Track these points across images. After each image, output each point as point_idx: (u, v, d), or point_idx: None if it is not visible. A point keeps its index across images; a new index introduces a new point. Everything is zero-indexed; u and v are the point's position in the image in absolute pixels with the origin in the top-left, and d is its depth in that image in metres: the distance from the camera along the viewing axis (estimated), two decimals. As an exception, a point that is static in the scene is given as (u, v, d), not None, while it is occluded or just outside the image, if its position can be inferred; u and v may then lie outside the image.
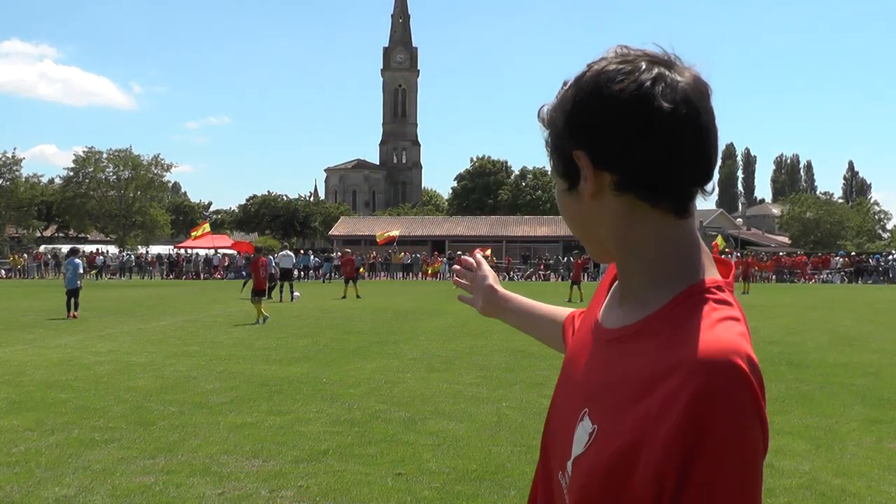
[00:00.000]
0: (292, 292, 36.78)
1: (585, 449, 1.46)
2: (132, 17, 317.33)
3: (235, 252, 71.26)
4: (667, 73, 1.44)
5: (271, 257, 38.81)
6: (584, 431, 1.48)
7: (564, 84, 1.55)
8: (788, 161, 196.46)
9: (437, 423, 10.57)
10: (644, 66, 1.44)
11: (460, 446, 9.44)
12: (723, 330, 1.37)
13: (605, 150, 1.45)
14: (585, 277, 68.22)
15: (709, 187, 1.50)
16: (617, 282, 1.67)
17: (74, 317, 26.40)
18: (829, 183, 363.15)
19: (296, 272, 44.31)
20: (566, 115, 1.50)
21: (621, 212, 1.49)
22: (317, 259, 71.12)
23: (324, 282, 55.53)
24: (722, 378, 1.29)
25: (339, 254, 38.01)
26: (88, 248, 76.56)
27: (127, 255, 77.60)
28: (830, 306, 35.22)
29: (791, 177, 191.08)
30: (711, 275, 1.51)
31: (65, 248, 75.31)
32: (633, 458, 1.34)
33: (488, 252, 74.77)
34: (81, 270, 28.33)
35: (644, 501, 1.32)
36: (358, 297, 38.36)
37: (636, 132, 1.42)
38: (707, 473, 1.26)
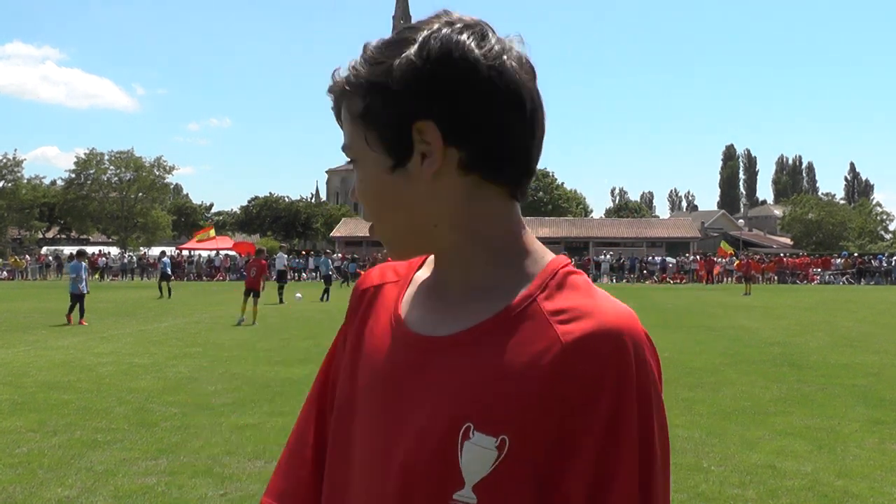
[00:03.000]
0: (280, 294, 36.64)
1: (496, 466, 1.28)
2: (134, 20, 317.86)
3: (237, 253, 71.40)
4: (514, 47, 1.36)
5: (283, 255, 39.12)
6: (481, 449, 1.28)
7: (366, 46, 1.39)
8: (790, 162, 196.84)
9: (440, 425, 10.52)
10: (492, 37, 1.34)
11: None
12: (613, 300, 1.35)
13: (458, 122, 1.32)
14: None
15: (535, 168, 1.43)
16: (421, 283, 1.52)
17: (81, 323, 24.80)
18: (831, 184, 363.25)
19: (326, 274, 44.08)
20: (410, 79, 1.32)
21: (463, 193, 1.36)
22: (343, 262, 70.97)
23: (349, 285, 55.45)
24: (644, 342, 1.30)
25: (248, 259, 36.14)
26: (90, 250, 76.65)
27: (129, 256, 77.53)
28: (832, 307, 35.21)
29: (793, 178, 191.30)
30: (556, 256, 1.45)
31: (66, 250, 75.55)
32: (572, 445, 1.26)
33: None
34: (85, 274, 26.50)
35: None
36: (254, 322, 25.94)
37: (496, 106, 1.32)
38: (658, 435, 1.30)
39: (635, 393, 1.26)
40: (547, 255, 1.43)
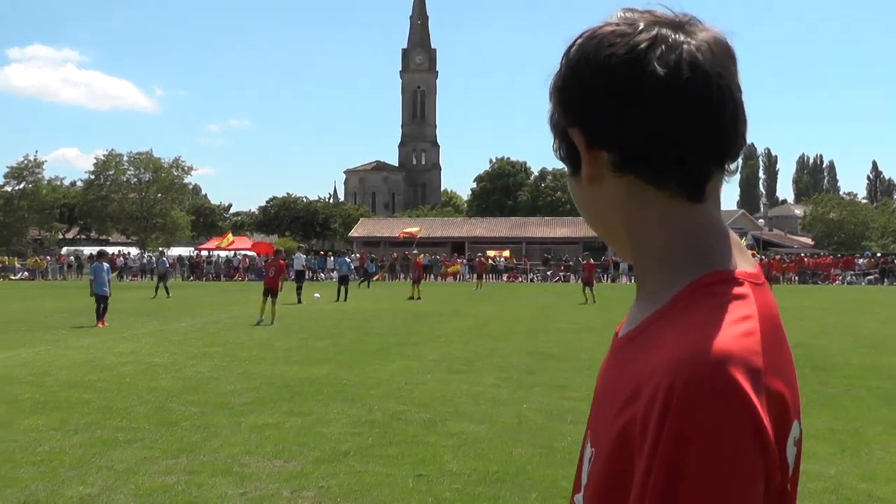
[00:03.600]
0: (299, 294, 36.63)
1: (587, 478, 1.30)
2: (154, 22, 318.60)
3: (255, 254, 71.53)
4: (670, 34, 1.26)
5: (301, 255, 39.24)
6: (587, 459, 1.32)
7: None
8: (811, 161, 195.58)
9: (458, 425, 10.58)
10: (642, 27, 1.27)
11: (481, 448, 9.45)
12: (716, 328, 1.17)
13: (597, 124, 1.28)
14: (605, 278, 68.29)
15: (732, 166, 1.32)
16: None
17: (102, 324, 24.61)
18: (853, 183, 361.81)
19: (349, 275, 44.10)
20: (556, 88, 1.34)
21: (624, 196, 1.31)
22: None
23: (368, 286, 55.41)
24: (704, 383, 1.11)
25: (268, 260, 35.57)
26: (110, 251, 76.85)
27: (148, 256, 77.74)
28: (855, 308, 35.01)
29: (814, 177, 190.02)
30: (734, 266, 1.30)
31: (87, 251, 75.85)
32: (621, 480, 1.18)
33: (506, 254, 74.67)
34: (108, 275, 26.11)
35: None
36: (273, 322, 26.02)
37: (629, 102, 1.24)
38: (687, 492, 1.08)
39: (661, 447, 1.11)
40: (711, 266, 1.29)
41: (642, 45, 1.24)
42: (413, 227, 75.75)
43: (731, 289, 1.25)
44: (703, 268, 1.28)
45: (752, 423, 1.10)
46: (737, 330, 1.18)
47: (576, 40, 1.32)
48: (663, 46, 1.24)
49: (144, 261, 75.97)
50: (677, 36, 1.26)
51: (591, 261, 42.68)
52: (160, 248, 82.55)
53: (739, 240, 1.37)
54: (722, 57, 1.28)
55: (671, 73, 1.23)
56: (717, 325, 1.18)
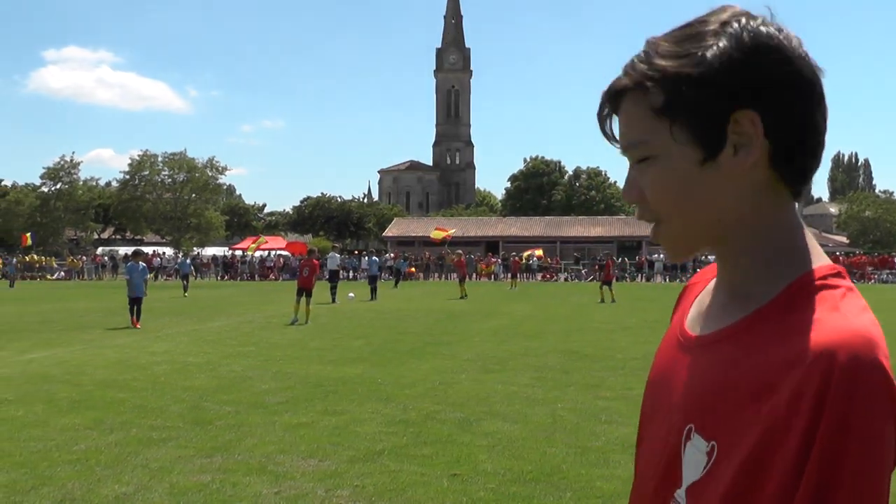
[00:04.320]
0: (333, 293, 36.66)
1: (706, 472, 1.28)
2: (188, 23, 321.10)
3: (290, 253, 71.76)
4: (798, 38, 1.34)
5: (335, 255, 39.45)
6: (697, 452, 1.30)
7: (676, 39, 1.34)
8: (846, 159, 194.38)
9: (493, 424, 10.55)
10: (786, 29, 1.32)
11: (515, 447, 9.42)
12: (853, 317, 1.22)
13: (778, 114, 1.28)
14: (640, 277, 68.10)
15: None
16: (713, 282, 1.50)
17: (136, 326, 24.04)
18: (889, 181, 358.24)
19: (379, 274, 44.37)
20: (729, 69, 1.29)
21: (759, 189, 1.33)
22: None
23: (395, 285, 55.61)
24: (862, 367, 1.14)
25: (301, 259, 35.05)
26: (145, 250, 77.31)
27: (182, 257, 78.17)
28: (891, 308, 34.71)
29: (849, 175, 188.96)
30: (825, 262, 1.35)
31: (122, 251, 76.35)
32: (764, 467, 1.18)
33: (539, 252, 74.42)
34: (144, 275, 25.66)
35: None
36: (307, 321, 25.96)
37: (806, 97, 1.30)
38: (848, 477, 1.11)
39: (828, 423, 1.12)
40: (814, 262, 1.34)
41: (802, 45, 1.32)
42: (445, 230, 75.48)
43: (843, 281, 1.31)
44: (806, 264, 1.33)
45: (894, 403, 1.16)
46: (868, 318, 1.24)
47: (741, 29, 1.30)
48: (807, 53, 1.32)
49: (179, 261, 76.34)
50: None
51: (612, 259, 42.63)
52: (183, 249, 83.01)
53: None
54: None
55: (822, 75, 1.32)
56: (852, 314, 1.23)
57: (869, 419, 1.12)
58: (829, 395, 1.12)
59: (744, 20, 1.31)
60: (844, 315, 1.22)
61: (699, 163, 1.32)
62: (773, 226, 1.34)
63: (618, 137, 1.40)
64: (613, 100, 1.38)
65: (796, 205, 1.38)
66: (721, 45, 1.29)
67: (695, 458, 1.30)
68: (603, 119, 1.41)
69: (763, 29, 1.30)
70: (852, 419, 1.12)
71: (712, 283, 1.50)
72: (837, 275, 1.31)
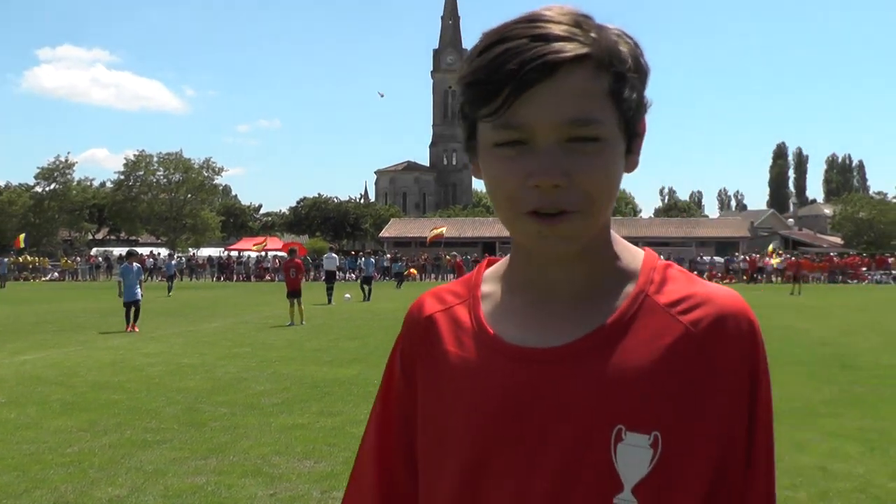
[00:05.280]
0: (329, 294, 36.67)
1: (655, 464, 1.26)
2: (184, 22, 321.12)
3: (286, 254, 71.75)
4: None
5: (333, 255, 39.55)
6: (637, 449, 1.26)
7: (582, 20, 1.30)
8: (840, 161, 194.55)
9: (488, 425, 10.49)
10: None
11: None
12: (722, 287, 1.40)
13: (639, 107, 1.35)
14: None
15: None
16: (500, 294, 1.45)
17: (132, 329, 23.28)
18: (883, 183, 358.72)
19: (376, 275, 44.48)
20: (643, 76, 1.35)
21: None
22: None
23: (398, 286, 55.76)
24: (756, 321, 1.38)
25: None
26: (140, 251, 77.24)
27: (178, 258, 78.02)
28: (884, 308, 34.79)
29: (843, 176, 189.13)
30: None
31: (116, 251, 76.28)
32: (733, 434, 1.33)
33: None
34: (139, 277, 24.71)
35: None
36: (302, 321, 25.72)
37: (642, 90, 1.35)
38: (765, 388, 1.37)
39: (764, 363, 1.36)
40: (638, 250, 1.45)
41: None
42: (438, 229, 75.40)
43: (673, 264, 1.43)
44: (634, 251, 1.45)
45: None
46: (722, 286, 1.42)
47: (615, 32, 1.33)
48: None
49: (173, 261, 76.22)
50: None
51: None
52: (178, 250, 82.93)
53: None
54: None
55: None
56: (714, 285, 1.41)
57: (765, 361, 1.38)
58: (757, 355, 1.36)
59: (610, 30, 1.34)
60: (712, 285, 1.40)
61: (623, 154, 1.34)
62: (608, 220, 1.39)
63: (544, 105, 1.25)
64: (550, 67, 1.24)
65: None
66: (635, 53, 1.34)
67: (635, 456, 1.26)
68: (526, 85, 1.25)
69: (617, 36, 1.33)
70: (766, 370, 1.37)
71: (502, 299, 1.45)
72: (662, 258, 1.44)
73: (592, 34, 1.29)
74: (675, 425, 1.27)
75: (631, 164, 1.36)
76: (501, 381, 1.36)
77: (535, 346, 1.36)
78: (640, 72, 1.33)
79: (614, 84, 1.28)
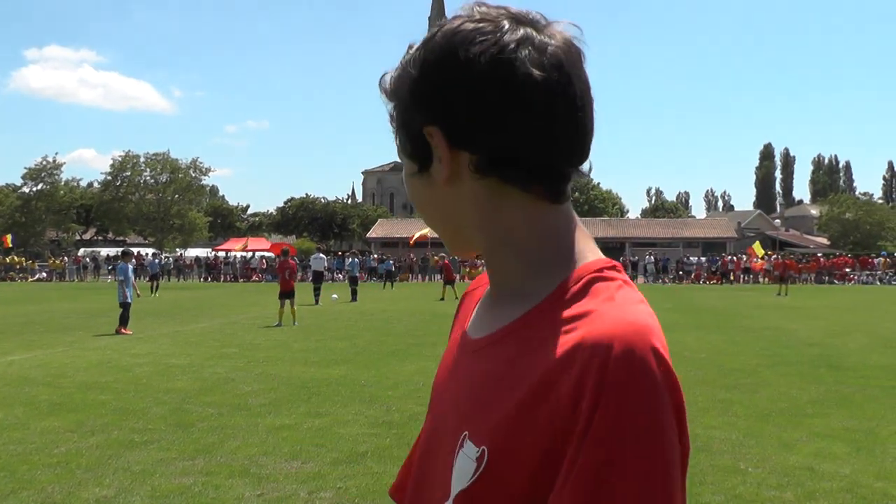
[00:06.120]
0: (317, 295, 36.61)
1: (475, 479, 1.20)
2: (172, 23, 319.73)
3: (273, 255, 71.74)
4: (534, 34, 1.24)
5: (321, 256, 39.58)
6: (468, 459, 1.22)
7: (410, 48, 1.32)
8: (827, 161, 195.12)
9: (476, 426, 10.51)
10: (507, 26, 1.23)
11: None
12: (629, 307, 1.19)
13: (462, 124, 1.24)
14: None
15: (585, 167, 1.31)
16: (488, 287, 1.44)
17: (121, 332, 22.67)
18: (869, 183, 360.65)
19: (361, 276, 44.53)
20: (413, 83, 1.28)
21: (484, 197, 1.28)
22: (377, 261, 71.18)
23: (392, 286, 55.85)
24: (637, 358, 1.10)
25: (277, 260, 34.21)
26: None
27: (164, 258, 77.85)
28: (871, 308, 34.90)
29: (830, 177, 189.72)
30: (600, 257, 1.31)
31: (104, 252, 76.12)
32: (544, 471, 1.13)
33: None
34: (132, 277, 24.32)
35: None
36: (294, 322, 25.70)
37: (499, 104, 1.21)
38: (629, 478, 1.06)
39: (610, 415, 1.08)
40: (584, 259, 1.29)
41: (511, 45, 1.22)
42: (422, 230, 74.64)
43: (619, 274, 1.27)
44: (579, 259, 1.29)
45: (678, 400, 1.13)
46: (644, 309, 1.20)
47: (434, 35, 1.28)
48: (531, 47, 1.22)
49: (161, 262, 75.96)
50: (541, 37, 1.24)
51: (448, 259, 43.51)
52: (153, 251, 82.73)
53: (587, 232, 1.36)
54: (577, 57, 1.27)
55: (543, 76, 1.21)
56: (628, 304, 1.20)
57: (646, 412, 1.08)
58: (605, 389, 1.08)
59: (449, 25, 1.28)
60: (620, 306, 1.19)
61: (417, 174, 1.33)
62: (524, 231, 1.29)
63: None
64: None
65: (566, 206, 1.32)
66: (413, 55, 1.30)
67: (465, 466, 1.22)
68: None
69: (458, 33, 1.25)
70: (626, 413, 1.08)
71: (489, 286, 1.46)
72: (613, 268, 1.28)
73: (396, 68, 1.35)
74: (503, 445, 1.18)
75: (433, 179, 1.31)
76: (447, 361, 1.45)
77: (472, 336, 1.39)
78: (412, 87, 1.29)
79: (389, 114, 1.37)
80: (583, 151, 1.29)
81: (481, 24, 1.24)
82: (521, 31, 1.23)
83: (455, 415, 1.30)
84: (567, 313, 1.20)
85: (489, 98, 1.21)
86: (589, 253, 1.31)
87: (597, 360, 1.10)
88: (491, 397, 1.23)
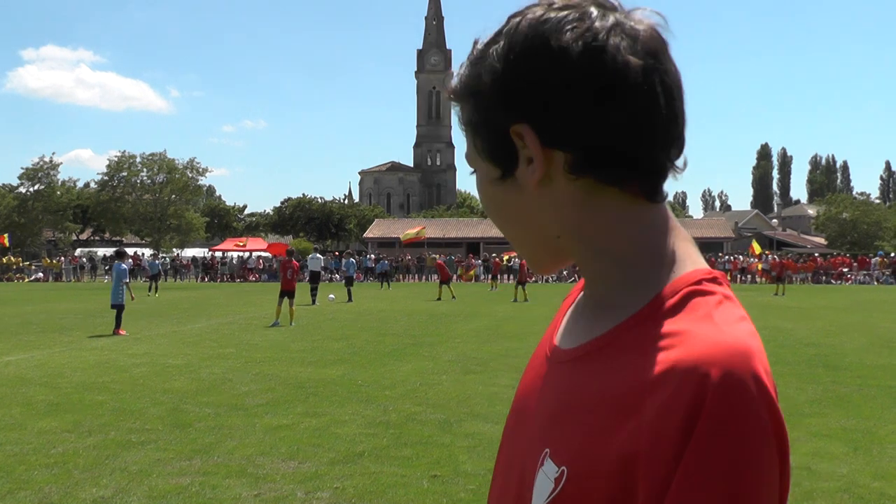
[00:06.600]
0: (314, 295, 36.66)
1: (551, 499, 1.13)
2: (169, 23, 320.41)
3: (270, 255, 71.70)
4: (624, 20, 1.16)
5: (318, 256, 39.50)
6: (546, 479, 1.15)
7: (475, 43, 1.24)
8: (824, 161, 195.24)
9: (473, 426, 10.53)
10: (595, 13, 1.15)
11: (496, 448, 9.34)
12: (728, 327, 1.08)
13: (556, 120, 1.14)
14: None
15: (680, 163, 1.22)
16: (581, 295, 1.36)
17: (118, 334, 22.37)
18: (866, 183, 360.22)
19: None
20: (496, 78, 1.18)
21: (580, 200, 1.19)
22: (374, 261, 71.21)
23: (388, 286, 55.88)
24: (738, 385, 1.01)
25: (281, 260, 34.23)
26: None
27: (162, 258, 77.76)
28: (868, 308, 34.88)
29: (827, 177, 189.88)
30: (702, 265, 1.21)
31: (100, 252, 76.01)
32: (626, 496, 1.05)
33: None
34: (127, 279, 23.68)
35: None
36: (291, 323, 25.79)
37: (595, 96, 1.12)
38: None
39: (702, 449, 0.99)
40: (683, 269, 1.20)
41: (602, 34, 1.13)
42: (413, 230, 73.74)
43: (720, 288, 1.17)
44: (677, 269, 1.20)
45: (782, 434, 1.04)
46: (746, 328, 1.10)
47: (518, 24, 1.18)
48: (623, 34, 1.14)
49: (158, 262, 75.84)
50: (629, 22, 1.16)
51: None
52: (153, 252, 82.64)
53: (689, 236, 1.28)
54: (664, 44, 1.20)
55: (639, 63, 1.13)
56: (727, 323, 1.10)
57: (745, 446, 1.00)
58: (701, 419, 0.99)
59: (531, 14, 1.18)
60: (718, 325, 1.09)
61: (499, 180, 1.23)
62: (621, 234, 1.21)
63: None
64: (454, 100, 1.29)
65: (663, 206, 1.24)
66: (497, 48, 1.19)
67: (544, 485, 1.15)
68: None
69: (543, 22, 1.16)
70: (724, 446, 0.99)
71: (582, 295, 1.37)
72: (713, 280, 1.18)
73: (466, 65, 1.25)
74: (582, 469, 1.10)
75: (524, 183, 1.21)
76: (532, 370, 1.37)
77: (560, 346, 1.31)
78: (497, 83, 1.19)
79: (466, 115, 1.26)
80: (680, 144, 1.21)
81: (567, 12, 1.15)
82: (612, 18, 1.15)
83: (538, 427, 1.24)
84: (660, 331, 1.11)
85: (585, 90, 1.13)
86: (688, 260, 1.22)
87: (690, 386, 1.01)
88: (573, 417, 1.16)
